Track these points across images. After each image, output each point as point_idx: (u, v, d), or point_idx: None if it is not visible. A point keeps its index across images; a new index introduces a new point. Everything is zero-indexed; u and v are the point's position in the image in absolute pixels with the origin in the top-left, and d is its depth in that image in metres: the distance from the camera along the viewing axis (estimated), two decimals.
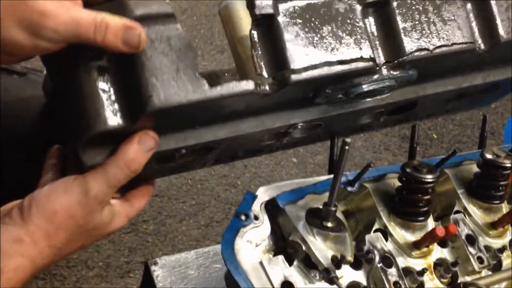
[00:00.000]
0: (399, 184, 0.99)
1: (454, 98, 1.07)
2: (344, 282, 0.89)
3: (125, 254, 1.80)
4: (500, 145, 1.17)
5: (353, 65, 0.81)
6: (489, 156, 1.04)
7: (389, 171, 1.03)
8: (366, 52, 0.82)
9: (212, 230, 1.91)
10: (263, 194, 0.92)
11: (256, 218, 0.90)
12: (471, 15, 0.92)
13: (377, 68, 0.84)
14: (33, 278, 1.71)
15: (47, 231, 0.72)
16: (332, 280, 0.80)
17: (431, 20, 0.87)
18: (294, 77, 0.77)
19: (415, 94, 0.96)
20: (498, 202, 1.06)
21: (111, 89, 0.70)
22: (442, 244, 1.01)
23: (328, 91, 0.83)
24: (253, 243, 0.89)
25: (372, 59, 0.82)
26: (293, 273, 0.88)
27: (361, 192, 1.00)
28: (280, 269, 0.86)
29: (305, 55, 0.78)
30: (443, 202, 1.07)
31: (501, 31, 0.93)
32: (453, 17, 0.90)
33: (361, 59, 0.82)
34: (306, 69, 0.78)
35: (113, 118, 0.70)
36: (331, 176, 0.99)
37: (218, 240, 1.88)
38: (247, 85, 0.74)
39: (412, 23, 0.85)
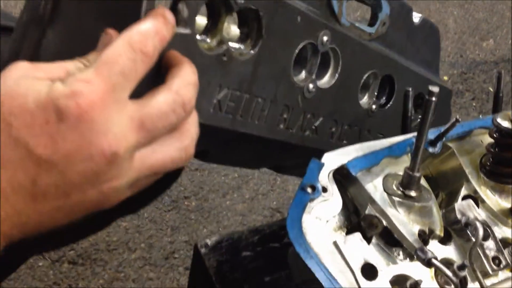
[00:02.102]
0: (490, 140, 0.83)
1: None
2: None
3: (168, 234, 1.69)
4: None
5: None
6: None
7: (475, 126, 0.87)
8: None
9: (258, 203, 1.78)
10: (331, 161, 0.78)
11: (324, 190, 0.75)
12: None
13: None
14: (72, 265, 1.63)
15: None
16: (430, 262, 0.66)
17: None
18: None
19: (392, 57, 1.01)
20: None
21: None
22: None
23: None
24: (322, 219, 0.75)
25: None
26: (373, 253, 0.74)
27: (444, 153, 0.85)
28: (359, 249, 0.72)
29: None
30: None
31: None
32: None
33: None
34: None
35: None
36: (407, 136, 0.85)
37: (265, 213, 1.75)
38: None
39: None
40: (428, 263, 0.66)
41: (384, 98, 1.05)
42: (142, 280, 1.57)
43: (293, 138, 0.88)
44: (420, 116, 0.76)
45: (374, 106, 1.01)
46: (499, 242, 0.78)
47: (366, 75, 0.96)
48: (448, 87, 1.24)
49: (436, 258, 0.66)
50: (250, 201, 1.81)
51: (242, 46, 0.74)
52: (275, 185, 1.84)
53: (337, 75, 0.90)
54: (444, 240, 0.78)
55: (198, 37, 0.68)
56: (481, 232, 0.68)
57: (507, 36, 2.68)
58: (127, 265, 1.61)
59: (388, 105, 1.05)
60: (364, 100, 1.00)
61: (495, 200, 0.83)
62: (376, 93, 1.01)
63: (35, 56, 0.62)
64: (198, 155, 0.90)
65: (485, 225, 0.79)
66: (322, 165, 0.77)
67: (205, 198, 1.79)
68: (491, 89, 2.30)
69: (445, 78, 2.35)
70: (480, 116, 2.25)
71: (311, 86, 0.86)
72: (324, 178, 0.76)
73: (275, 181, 1.85)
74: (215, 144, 0.85)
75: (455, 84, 2.22)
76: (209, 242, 0.99)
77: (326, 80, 0.90)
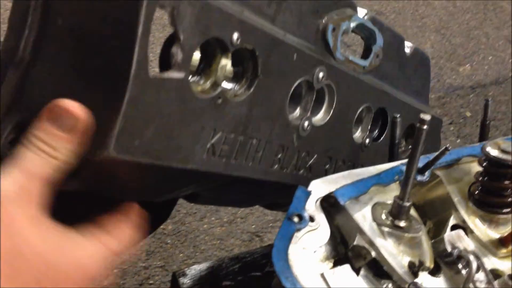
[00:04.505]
0: (479, 169, 0.82)
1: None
2: None
3: (142, 259, 1.64)
4: None
5: None
6: None
7: (464, 154, 0.85)
8: None
9: (236, 227, 1.75)
10: (318, 189, 0.75)
11: (311, 219, 0.72)
12: None
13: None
14: None
15: None
16: None
17: None
18: None
19: (385, 90, 0.98)
20: None
21: None
22: None
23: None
24: (309, 250, 0.72)
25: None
26: (362, 286, 0.71)
27: (431, 182, 0.83)
28: (348, 282, 0.69)
29: None
30: None
31: None
32: None
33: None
34: None
35: None
36: (395, 163, 0.83)
37: (244, 237, 1.72)
38: None
39: None
40: None
41: (376, 131, 1.02)
42: None
43: (287, 178, 0.84)
44: (410, 146, 0.74)
45: (367, 140, 0.98)
46: (489, 274, 0.76)
47: (360, 109, 0.93)
48: (439, 117, 1.22)
49: None
50: (228, 224, 1.77)
51: (236, 87, 0.71)
52: (254, 208, 1.80)
53: (331, 111, 0.86)
54: (433, 271, 0.76)
55: (190, 78, 0.63)
56: (474, 266, 0.66)
57: (484, 62, 2.71)
58: None
59: (381, 139, 1.02)
60: (358, 135, 0.97)
61: (484, 230, 0.81)
62: (369, 127, 0.98)
63: (17, 100, 0.58)
64: (187, 198, 0.86)
65: (476, 256, 0.77)
66: (309, 193, 0.74)
67: (182, 221, 1.75)
68: (468, 114, 2.31)
69: None
70: (458, 140, 2.27)
71: (306, 123, 0.82)
72: (311, 206, 0.73)
73: None
74: (206, 188, 0.81)
75: (433, 108, 2.23)
76: (187, 270, 0.95)
77: (320, 117, 0.86)
